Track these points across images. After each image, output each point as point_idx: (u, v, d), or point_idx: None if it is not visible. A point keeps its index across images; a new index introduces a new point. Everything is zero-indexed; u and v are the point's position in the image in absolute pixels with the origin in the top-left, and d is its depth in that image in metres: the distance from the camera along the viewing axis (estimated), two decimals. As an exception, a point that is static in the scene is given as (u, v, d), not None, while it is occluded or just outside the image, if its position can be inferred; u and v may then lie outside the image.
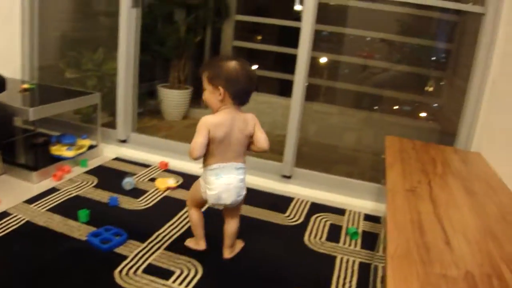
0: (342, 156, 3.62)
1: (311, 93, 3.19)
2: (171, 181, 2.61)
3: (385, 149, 2.08)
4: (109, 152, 3.06)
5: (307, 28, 2.58)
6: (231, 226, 1.94)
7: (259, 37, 4.46)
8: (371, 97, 3.95)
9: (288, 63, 3.76)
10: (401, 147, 2.12)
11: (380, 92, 3.88)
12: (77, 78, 3.49)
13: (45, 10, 3.33)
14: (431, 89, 3.68)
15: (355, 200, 2.65)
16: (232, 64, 1.71)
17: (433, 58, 3.73)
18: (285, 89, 4.06)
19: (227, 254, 1.98)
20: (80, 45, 3.58)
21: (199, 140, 1.69)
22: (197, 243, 2.00)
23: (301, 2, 2.56)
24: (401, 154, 1.99)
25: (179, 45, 3.90)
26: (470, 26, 3.10)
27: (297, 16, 2.62)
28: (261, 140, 1.80)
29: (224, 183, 1.77)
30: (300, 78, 2.66)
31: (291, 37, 3.05)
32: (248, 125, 1.78)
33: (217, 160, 1.76)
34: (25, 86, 2.88)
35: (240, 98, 1.74)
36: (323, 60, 3.94)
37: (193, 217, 1.97)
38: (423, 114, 3.80)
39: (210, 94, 1.74)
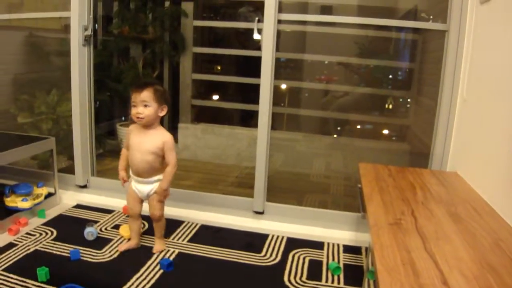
0: (314, 184, 3.53)
1: (276, 122, 3.12)
2: (137, 227, 2.44)
3: (360, 178, 1.98)
4: (68, 200, 2.88)
5: (267, 57, 2.50)
6: None
7: (219, 68, 4.38)
8: (336, 121, 3.90)
9: (249, 93, 3.68)
10: (377, 175, 2.02)
11: (346, 116, 3.83)
12: (31, 123, 3.32)
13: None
14: (396, 109, 3.65)
15: (332, 231, 2.55)
16: None
17: (396, 78, 3.71)
18: (247, 119, 3.98)
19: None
20: (33, 87, 3.41)
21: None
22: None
23: (259, 32, 2.50)
24: (378, 182, 1.90)
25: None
26: (430, 44, 3.09)
27: (257, 45, 2.54)
28: None
29: None
30: (265, 108, 2.56)
31: (252, 66, 2.97)
32: None
33: None
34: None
35: None
36: (283, 86, 3.87)
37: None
38: (391, 135, 3.76)
39: (154, 112, 2.07)
